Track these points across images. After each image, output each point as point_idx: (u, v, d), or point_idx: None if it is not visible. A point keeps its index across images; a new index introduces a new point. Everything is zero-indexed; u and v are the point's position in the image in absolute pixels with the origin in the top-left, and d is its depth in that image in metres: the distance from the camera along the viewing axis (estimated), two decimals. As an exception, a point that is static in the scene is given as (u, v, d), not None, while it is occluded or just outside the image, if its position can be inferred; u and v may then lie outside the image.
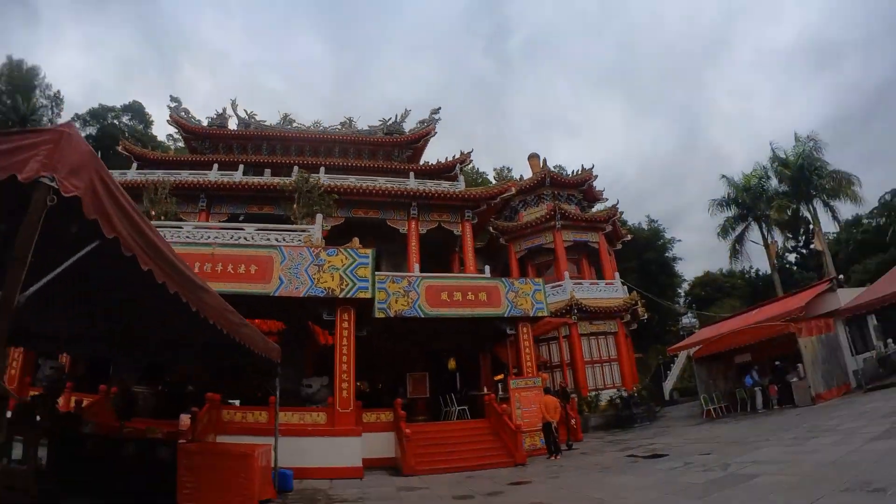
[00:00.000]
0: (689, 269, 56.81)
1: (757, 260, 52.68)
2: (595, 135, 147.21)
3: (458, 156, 31.01)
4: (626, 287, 31.23)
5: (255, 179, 25.29)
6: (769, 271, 46.29)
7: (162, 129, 53.83)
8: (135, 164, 27.75)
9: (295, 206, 21.08)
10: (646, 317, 32.52)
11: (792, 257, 56.51)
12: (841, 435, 11.23)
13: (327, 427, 14.63)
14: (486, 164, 68.34)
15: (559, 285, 28.74)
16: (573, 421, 20.54)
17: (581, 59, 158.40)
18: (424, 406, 22.30)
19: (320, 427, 14.66)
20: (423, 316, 17.77)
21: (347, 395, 15.08)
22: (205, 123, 33.22)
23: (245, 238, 17.04)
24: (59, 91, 50.99)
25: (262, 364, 10.16)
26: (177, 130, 35.86)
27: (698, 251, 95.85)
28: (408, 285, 18.06)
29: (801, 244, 54.27)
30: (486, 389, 20.39)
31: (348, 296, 15.64)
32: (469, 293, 18.73)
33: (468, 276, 21.29)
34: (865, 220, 56.79)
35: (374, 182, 26.50)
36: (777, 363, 21.59)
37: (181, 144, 43.81)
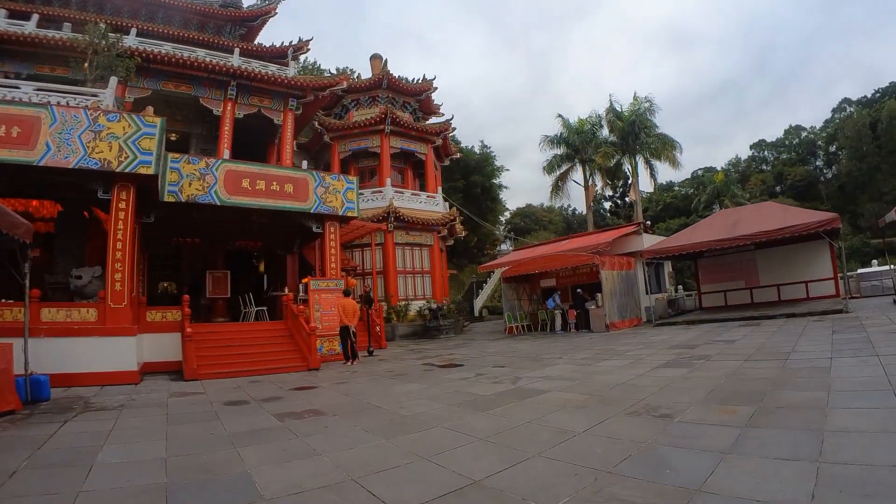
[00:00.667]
0: (513, 202, 58.21)
1: (575, 201, 55.06)
2: (451, 59, 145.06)
3: (295, 42, 27.89)
4: (448, 204, 30.73)
5: (49, 33, 20.81)
6: (584, 212, 48.54)
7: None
8: None
9: (86, 64, 17.56)
10: (463, 235, 32.46)
11: (607, 205, 60.07)
12: (630, 360, 11.20)
13: (97, 325, 12.36)
14: (329, 63, 64.30)
15: (379, 191, 27.53)
16: (378, 328, 19.75)
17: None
18: (225, 307, 21.01)
19: (89, 325, 12.35)
20: (218, 203, 15.86)
21: (121, 289, 12.72)
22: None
23: (18, 98, 13.91)
24: None
25: (8, 245, 8.83)
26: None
27: (524, 187, 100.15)
28: (205, 167, 15.97)
29: (617, 195, 57.64)
30: (287, 291, 18.93)
31: (127, 170, 12.81)
32: (274, 183, 17.02)
33: (276, 166, 19.20)
34: (676, 188, 62.72)
35: (192, 53, 23.12)
36: (578, 290, 22.10)
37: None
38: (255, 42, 29.79)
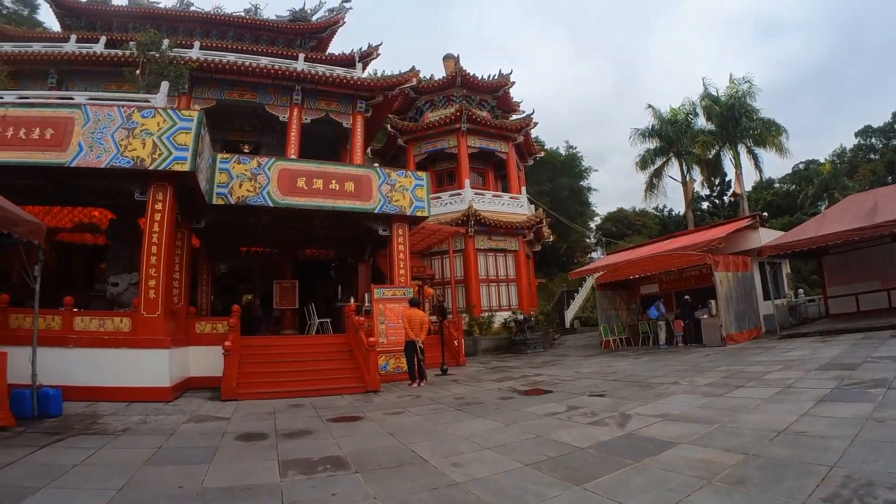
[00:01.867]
0: (603, 208, 54.44)
1: (672, 200, 50.76)
2: (531, 68, 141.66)
3: (364, 49, 26.09)
4: (533, 206, 28.00)
5: (115, 52, 19.98)
6: (682, 211, 44.48)
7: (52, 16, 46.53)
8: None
9: (138, 71, 16.35)
10: (552, 239, 29.61)
11: (705, 205, 55.10)
12: (775, 388, 8.19)
13: (129, 336, 10.95)
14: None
15: (458, 194, 25.15)
16: (455, 342, 17.35)
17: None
18: (293, 319, 19.63)
19: (120, 336, 10.95)
20: (270, 204, 14.45)
21: (155, 297, 11.19)
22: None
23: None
24: None
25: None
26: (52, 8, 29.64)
27: (614, 192, 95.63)
28: (257, 167, 14.61)
29: (714, 194, 52.68)
30: (352, 300, 16.82)
31: (161, 167, 11.44)
32: (333, 181, 15.24)
33: (335, 163, 17.21)
34: (777, 185, 56.78)
35: (255, 60, 21.60)
36: (686, 297, 18.88)
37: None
38: (325, 54, 28.46)
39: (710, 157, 35.06)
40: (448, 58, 30.56)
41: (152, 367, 10.59)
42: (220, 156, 14.53)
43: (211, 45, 23.47)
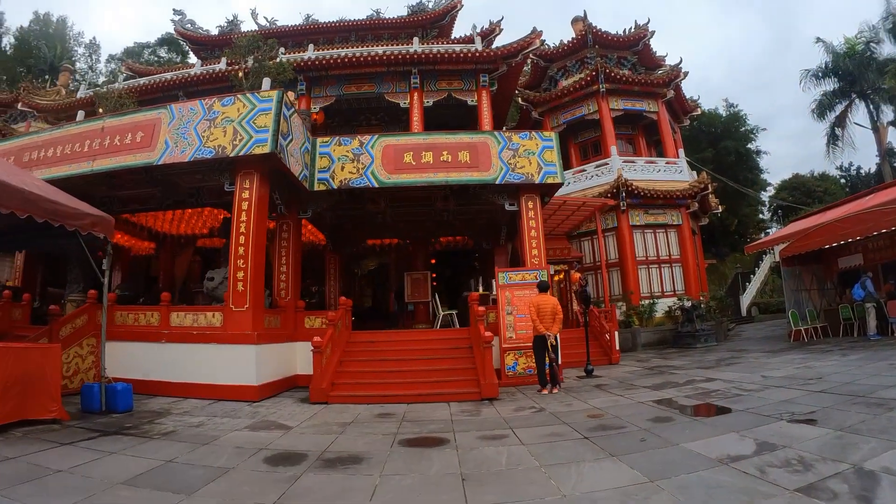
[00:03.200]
0: (776, 179, 46.98)
1: (860, 155, 42.88)
2: (680, 34, 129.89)
3: (485, 27, 23.46)
4: (695, 173, 23.54)
5: (232, 67, 19.52)
6: (873, 168, 37.10)
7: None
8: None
9: (240, 71, 15.60)
10: (719, 210, 24.87)
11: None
12: None
13: (218, 331, 10.48)
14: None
15: (604, 164, 21.71)
16: (607, 336, 14.05)
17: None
18: (426, 312, 18.72)
19: (209, 331, 10.57)
20: (376, 185, 13.09)
21: (244, 290, 10.46)
22: (214, 33, 28.83)
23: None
24: (94, 37, 53.52)
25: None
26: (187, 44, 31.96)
27: (786, 162, 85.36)
28: (358, 147, 13.34)
29: None
30: (480, 288, 14.31)
31: (241, 153, 10.71)
32: (444, 153, 13.31)
33: (445, 132, 14.60)
34: None
35: (369, 51, 20.17)
36: (905, 268, 14.26)
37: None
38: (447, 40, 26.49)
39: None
40: (576, 21, 26.79)
41: (238, 363, 9.97)
42: (319, 140, 13.45)
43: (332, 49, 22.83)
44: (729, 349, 16.04)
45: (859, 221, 14.81)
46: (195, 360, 10.12)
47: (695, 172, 23.64)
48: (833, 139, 30.64)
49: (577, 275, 17.75)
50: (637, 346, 18.20)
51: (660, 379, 10.54)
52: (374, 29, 27.70)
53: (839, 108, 30.32)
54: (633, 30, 24.62)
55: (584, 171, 22.21)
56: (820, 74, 30.02)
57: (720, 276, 37.65)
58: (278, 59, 16.70)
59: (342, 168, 13.05)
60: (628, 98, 22.97)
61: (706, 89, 68.52)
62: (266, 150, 10.55)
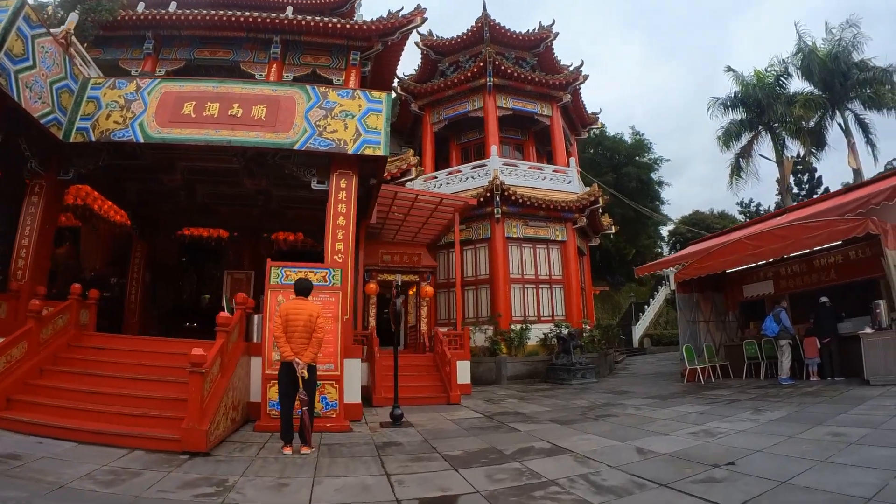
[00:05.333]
0: (679, 216, 45.42)
1: (761, 190, 41.55)
2: (609, 72, 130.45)
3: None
4: (589, 187, 20.41)
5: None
6: (772, 206, 35.72)
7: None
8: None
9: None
10: (612, 230, 21.76)
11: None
12: None
13: None
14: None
15: (482, 165, 17.98)
16: (447, 368, 10.42)
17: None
18: None
19: None
20: (140, 139, 9.12)
21: None
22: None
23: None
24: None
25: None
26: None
27: (694, 202, 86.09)
28: (133, 92, 9.46)
29: (804, 191, 42.41)
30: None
31: None
32: (235, 106, 9.28)
33: (245, 81, 10.75)
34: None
35: (229, 12, 16.12)
36: (823, 300, 11.14)
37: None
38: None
39: (813, 124, 26.09)
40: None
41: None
42: (93, 80, 9.73)
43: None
44: (609, 389, 12.31)
45: (775, 238, 11.19)
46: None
47: (591, 187, 20.51)
48: (737, 170, 28.28)
49: (430, 289, 14.09)
50: (502, 378, 14.44)
51: (486, 441, 6.58)
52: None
53: (745, 139, 28.20)
54: (536, 30, 21.40)
55: (460, 172, 18.30)
56: (728, 103, 27.46)
57: (615, 305, 35.10)
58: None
59: (108, 116, 9.16)
60: (520, 98, 19.38)
61: (624, 128, 67.68)
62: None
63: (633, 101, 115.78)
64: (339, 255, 8.86)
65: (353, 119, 9.27)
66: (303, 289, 6.53)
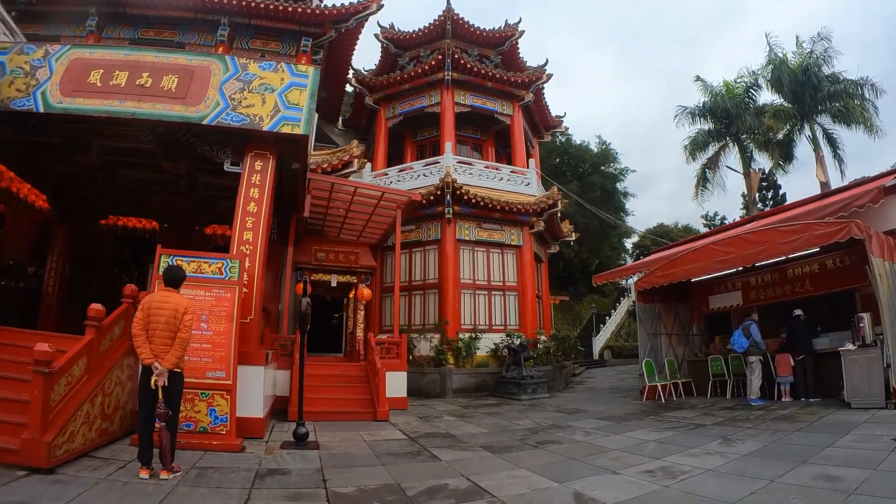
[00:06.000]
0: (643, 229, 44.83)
1: (728, 203, 41.34)
2: (580, 87, 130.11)
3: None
4: (549, 191, 19.30)
5: None
6: (738, 219, 35.18)
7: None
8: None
9: None
10: (573, 237, 20.65)
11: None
12: None
13: None
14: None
15: (435, 162, 16.69)
16: (378, 378, 9.13)
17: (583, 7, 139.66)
18: None
19: None
20: (41, 109, 7.68)
21: None
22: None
23: None
24: None
25: None
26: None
27: (660, 217, 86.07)
28: (41, 58, 8.04)
29: (769, 200, 42.41)
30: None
31: None
32: (145, 75, 7.90)
33: (159, 49, 9.33)
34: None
35: None
36: (797, 313, 10.14)
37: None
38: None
39: (782, 136, 25.55)
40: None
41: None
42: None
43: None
44: (558, 407, 10.93)
45: (746, 244, 9.96)
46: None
47: (552, 191, 19.36)
48: (703, 181, 27.56)
49: (368, 292, 12.80)
50: (446, 391, 13.05)
51: (393, 473, 5.20)
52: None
53: (712, 150, 27.54)
54: (502, 28, 20.26)
55: (412, 169, 17.00)
56: (696, 113, 26.64)
57: (576, 315, 34.16)
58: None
59: (10, 84, 7.74)
60: (480, 95, 18.09)
61: (591, 138, 67.50)
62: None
63: (602, 120, 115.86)
64: (247, 246, 7.50)
65: (272, 94, 7.92)
66: (172, 278, 5.25)
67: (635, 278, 14.05)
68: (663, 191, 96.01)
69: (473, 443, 7.02)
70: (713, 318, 13.50)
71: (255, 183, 7.88)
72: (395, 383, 10.24)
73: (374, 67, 20.98)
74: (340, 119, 22.60)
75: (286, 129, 7.76)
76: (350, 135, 21.02)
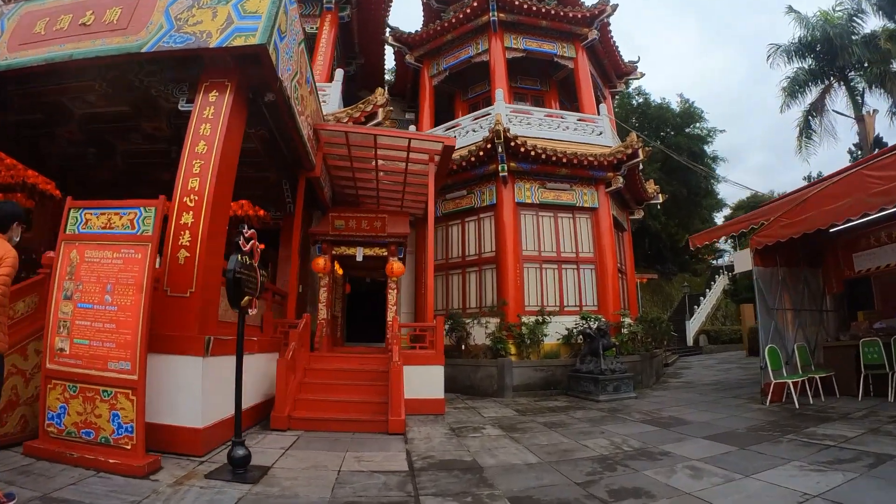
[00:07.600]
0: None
1: (832, 154, 36.89)
2: (663, 62, 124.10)
3: None
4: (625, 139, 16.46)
5: None
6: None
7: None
8: None
9: None
10: (660, 199, 17.56)
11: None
12: None
13: None
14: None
15: (486, 114, 14.08)
16: (394, 380, 6.95)
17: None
18: None
19: None
20: None
21: None
22: None
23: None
24: None
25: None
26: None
27: (748, 193, 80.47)
28: None
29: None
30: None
31: None
32: (88, 13, 6.49)
33: None
34: None
35: None
36: None
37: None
38: None
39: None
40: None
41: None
42: None
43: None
44: (648, 415, 8.01)
45: None
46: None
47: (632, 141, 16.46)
48: (806, 130, 23.71)
49: (400, 266, 10.64)
50: (505, 389, 10.46)
51: None
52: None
53: (813, 94, 23.66)
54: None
55: (460, 125, 14.37)
56: (792, 50, 23.03)
57: (665, 297, 30.87)
58: None
59: None
60: (534, 37, 15.34)
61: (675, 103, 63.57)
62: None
63: (688, 92, 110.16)
64: (192, 197, 5.45)
65: (226, 5, 5.82)
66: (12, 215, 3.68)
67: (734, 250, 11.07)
68: (752, 164, 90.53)
69: (504, 488, 4.30)
70: (855, 283, 10.42)
71: (207, 117, 5.82)
72: (429, 380, 7.94)
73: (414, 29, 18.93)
74: (386, 88, 20.72)
75: (238, 42, 5.62)
76: (396, 104, 19.02)
